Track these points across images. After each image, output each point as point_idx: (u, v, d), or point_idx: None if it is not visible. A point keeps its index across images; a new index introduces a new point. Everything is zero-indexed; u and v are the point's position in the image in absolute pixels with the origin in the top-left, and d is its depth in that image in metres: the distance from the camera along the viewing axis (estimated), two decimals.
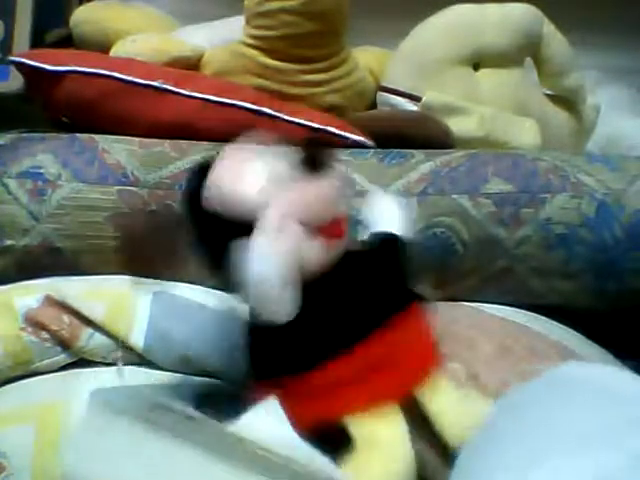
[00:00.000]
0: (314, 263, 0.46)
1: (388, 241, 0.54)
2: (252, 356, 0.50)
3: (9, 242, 0.66)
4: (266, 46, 0.77)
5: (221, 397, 0.56)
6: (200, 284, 0.67)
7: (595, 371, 0.42)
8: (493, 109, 0.81)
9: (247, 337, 0.50)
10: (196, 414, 0.45)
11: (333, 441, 0.48)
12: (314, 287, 0.46)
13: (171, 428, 0.43)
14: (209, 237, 0.49)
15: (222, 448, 0.43)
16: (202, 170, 0.49)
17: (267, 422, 0.53)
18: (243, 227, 0.46)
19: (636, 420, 0.34)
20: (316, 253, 0.47)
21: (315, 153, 0.48)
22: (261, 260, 0.44)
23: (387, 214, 0.56)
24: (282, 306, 0.45)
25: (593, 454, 0.32)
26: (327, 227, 0.47)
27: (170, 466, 0.42)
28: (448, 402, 0.47)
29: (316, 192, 0.47)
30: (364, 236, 0.55)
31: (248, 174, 0.48)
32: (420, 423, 0.46)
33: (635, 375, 0.42)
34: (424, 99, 0.81)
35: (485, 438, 0.40)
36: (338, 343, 0.47)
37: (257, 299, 0.45)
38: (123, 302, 0.59)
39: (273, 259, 0.44)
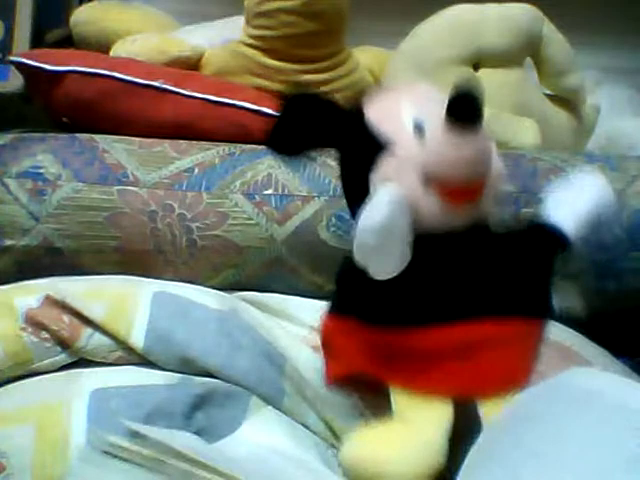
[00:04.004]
0: (428, 220, 0.44)
1: (543, 232, 0.48)
2: (338, 285, 0.49)
3: (9, 242, 0.66)
4: (266, 46, 0.77)
5: (221, 397, 0.56)
6: (200, 284, 0.67)
7: (607, 382, 0.40)
8: (493, 109, 0.81)
9: (343, 266, 0.48)
10: (172, 443, 0.46)
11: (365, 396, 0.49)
12: (428, 242, 0.44)
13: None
14: (359, 155, 0.47)
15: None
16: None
17: (263, 433, 0.53)
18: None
19: None
20: (431, 211, 0.43)
21: (466, 104, 0.41)
22: (371, 217, 0.41)
23: (578, 202, 0.49)
24: (382, 265, 0.42)
25: None
26: (453, 190, 0.43)
27: None
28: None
29: (449, 151, 0.42)
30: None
31: (409, 103, 0.46)
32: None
33: None
34: None
35: (493, 450, 0.39)
36: (432, 310, 0.44)
37: (359, 251, 0.42)
38: (123, 302, 0.59)
39: (382, 219, 0.41)
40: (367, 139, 0.46)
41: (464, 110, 0.41)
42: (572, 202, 0.49)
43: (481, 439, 0.41)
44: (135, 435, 0.48)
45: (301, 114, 0.49)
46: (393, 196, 0.42)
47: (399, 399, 0.45)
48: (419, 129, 0.45)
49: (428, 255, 0.44)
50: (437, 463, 0.44)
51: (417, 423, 0.44)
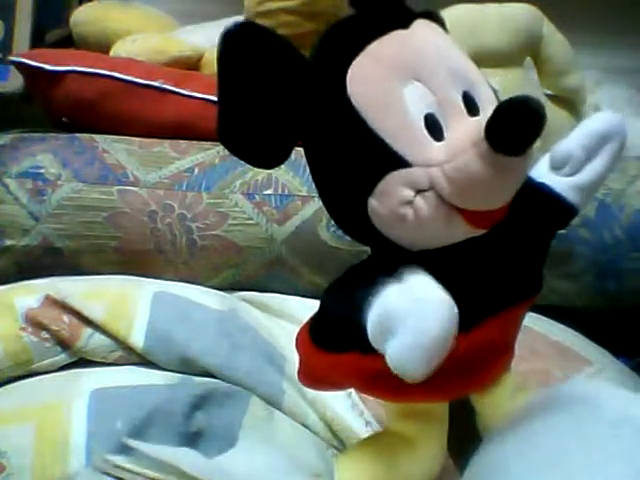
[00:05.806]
0: (444, 241, 0.36)
1: (546, 205, 0.40)
2: (332, 318, 0.38)
3: (9, 242, 0.66)
4: None
5: (221, 397, 0.56)
6: (200, 284, 0.67)
7: (608, 393, 0.40)
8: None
9: (337, 295, 0.38)
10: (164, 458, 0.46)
11: None
12: (437, 255, 0.36)
13: None
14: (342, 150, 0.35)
15: None
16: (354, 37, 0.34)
17: (261, 444, 0.53)
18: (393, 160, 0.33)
19: None
20: (452, 236, 0.35)
21: (519, 127, 0.33)
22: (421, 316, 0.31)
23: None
24: (425, 369, 0.32)
25: None
26: (480, 214, 0.34)
27: None
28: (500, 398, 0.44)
29: (485, 173, 0.31)
30: None
31: (415, 82, 0.34)
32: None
33: None
34: None
35: (496, 465, 0.38)
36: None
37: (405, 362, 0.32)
38: (123, 302, 0.59)
39: (439, 333, 0.31)
40: (356, 136, 0.34)
41: (521, 135, 0.33)
42: (581, 158, 0.40)
43: (482, 452, 0.40)
44: (133, 453, 0.48)
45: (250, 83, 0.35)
46: (445, 299, 0.31)
47: (393, 411, 0.44)
48: (434, 126, 0.34)
49: (439, 267, 0.35)
50: (434, 473, 0.44)
51: (414, 436, 0.43)
